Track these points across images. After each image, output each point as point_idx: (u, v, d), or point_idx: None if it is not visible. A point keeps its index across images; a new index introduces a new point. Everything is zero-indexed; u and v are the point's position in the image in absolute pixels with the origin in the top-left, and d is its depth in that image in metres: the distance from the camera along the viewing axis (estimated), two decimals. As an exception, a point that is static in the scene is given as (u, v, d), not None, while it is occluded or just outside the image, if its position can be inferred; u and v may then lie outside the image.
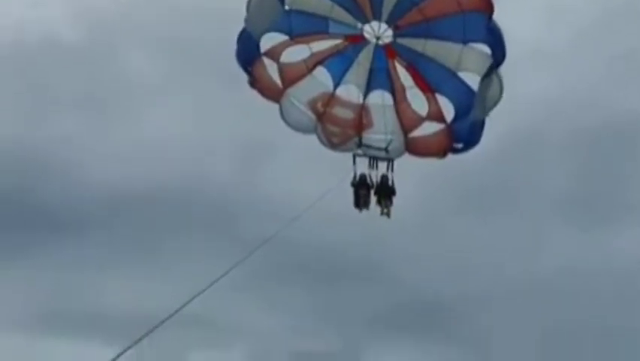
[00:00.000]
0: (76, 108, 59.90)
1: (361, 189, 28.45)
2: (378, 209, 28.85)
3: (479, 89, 25.43)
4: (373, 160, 28.33)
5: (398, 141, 27.35)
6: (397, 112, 27.11)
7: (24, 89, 59.81)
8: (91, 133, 59.45)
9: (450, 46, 25.39)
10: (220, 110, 56.15)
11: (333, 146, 27.91)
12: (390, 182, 28.49)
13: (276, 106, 27.62)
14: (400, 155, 27.66)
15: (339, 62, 26.84)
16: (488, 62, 24.96)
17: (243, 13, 25.73)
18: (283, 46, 26.51)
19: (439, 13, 25.02)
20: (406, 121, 27.08)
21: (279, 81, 27.04)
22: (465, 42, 25.26)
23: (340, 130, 27.61)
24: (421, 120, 26.95)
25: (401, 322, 61.78)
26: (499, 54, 24.79)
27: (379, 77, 26.81)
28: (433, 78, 26.14)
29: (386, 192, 28.52)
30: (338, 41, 26.57)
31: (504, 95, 25.90)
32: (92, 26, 59.83)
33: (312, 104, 27.32)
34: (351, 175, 28.53)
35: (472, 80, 25.59)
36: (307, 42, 26.59)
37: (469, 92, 25.64)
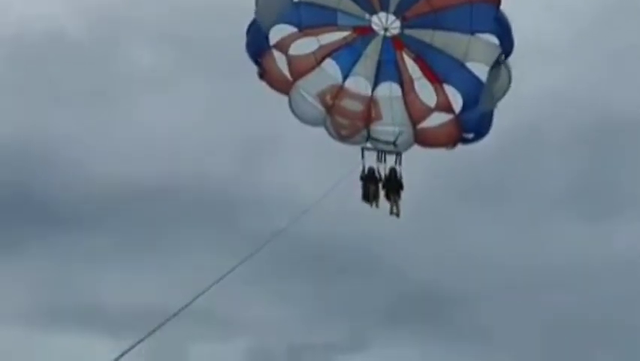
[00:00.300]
0: (78, 104, 60.25)
1: (370, 183, 28.57)
2: (386, 205, 29.02)
3: (488, 80, 25.56)
4: (381, 154, 28.44)
5: (407, 132, 27.43)
6: (406, 103, 27.18)
7: (27, 85, 60.06)
8: (93, 128, 59.69)
9: (458, 36, 25.47)
10: (223, 105, 56.42)
11: (342, 138, 28.02)
12: (398, 175, 28.60)
13: (279, 100, 27.74)
14: (409, 147, 27.76)
15: (347, 54, 26.94)
16: (496, 52, 25.07)
17: (246, 8, 25.85)
18: (292, 38, 26.61)
19: (447, 4, 25.14)
20: (415, 112, 27.16)
21: (287, 73, 27.13)
22: (472, 32, 25.34)
23: (349, 122, 27.71)
24: (429, 111, 27.02)
25: (404, 314, 62.04)
26: (507, 44, 24.95)
27: (388, 69, 26.89)
28: (440, 69, 26.25)
29: (394, 186, 28.64)
30: (346, 33, 26.67)
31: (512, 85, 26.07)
32: (95, 22, 60.10)
33: (321, 97, 27.42)
34: (360, 169, 28.69)
35: (480, 71, 25.69)
36: (316, 34, 26.67)
37: (477, 83, 25.74)
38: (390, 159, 28.67)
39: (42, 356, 57.86)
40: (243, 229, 54.50)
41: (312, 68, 27.14)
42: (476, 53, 25.58)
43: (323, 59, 27.09)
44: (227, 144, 58.77)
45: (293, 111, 27.62)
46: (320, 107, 27.58)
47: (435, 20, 25.58)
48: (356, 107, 27.49)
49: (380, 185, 28.73)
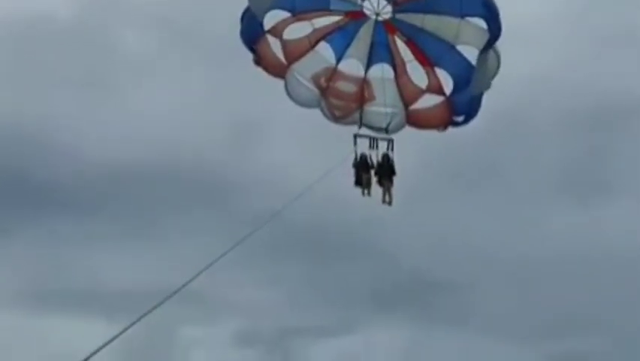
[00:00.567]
0: (73, 88, 60.61)
1: (363, 171, 29.23)
2: (378, 193, 29.57)
3: (477, 64, 26.10)
4: (374, 140, 29.08)
5: (399, 114, 28.08)
6: (398, 85, 27.79)
7: (17, 67, 60.45)
8: (87, 113, 60.09)
9: (448, 20, 25.98)
10: (216, 89, 56.89)
11: (336, 119, 28.66)
12: (390, 161, 29.25)
13: (271, 84, 28.32)
14: (401, 128, 28.35)
15: (341, 37, 27.51)
16: (486, 36, 25.54)
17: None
18: (286, 23, 27.14)
19: (437, -12, 25.79)
20: (407, 94, 27.77)
21: (282, 58, 27.71)
22: (462, 16, 25.83)
23: (343, 103, 28.31)
24: (421, 93, 27.64)
25: (393, 299, 62.83)
26: (494, 28, 25.39)
27: (380, 51, 27.45)
28: (432, 52, 26.82)
29: (387, 172, 29.29)
30: (339, 17, 27.24)
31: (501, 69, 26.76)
32: (85, 4, 60.61)
33: (315, 79, 28.01)
34: (352, 156, 29.31)
35: (470, 54, 26.23)
36: (309, 19, 27.21)
37: (468, 65, 26.32)
38: (383, 146, 29.28)
39: (37, 338, 58.57)
40: (237, 212, 55.31)
41: (307, 52, 27.70)
42: (466, 36, 26.08)
43: (317, 42, 27.64)
44: (221, 128, 59.41)
45: (288, 94, 28.26)
46: (315, 90, 28.18)
47: (425, 4, 26.17)
48: (350, 88, 28.10)
49: (372, 172, 29.37)
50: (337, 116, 28.62)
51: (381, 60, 27.64)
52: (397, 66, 27.63)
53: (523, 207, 64.40)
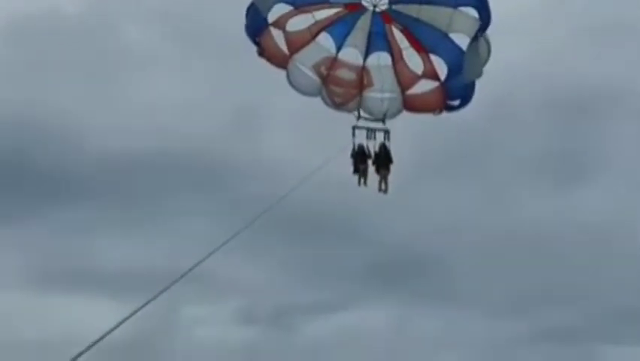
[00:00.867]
0: (76, 77, 62.22)
1: (360, 161, 30.85)
2: (374, 182, 31.18)
3: (468, 52, 27.49)
4: (371, 131, 30.61)
5: (397, 99, 29.56)
6: (395, 71, 29.24)
7: (26, 60, 61.89)
8: (91, 101, 61.80)
9: (442, 10, 27.41)
10: (215, 77, 58.41)
11: (336, 106, 30.10)
12: (387, 150, 30.90)
13: (269, 73, 29.62)
14: (398, 113, 29.85)
15: (340, 28, 28.89)
16: (477, 24, 26.98)
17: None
18: (288, 16, 28.52)
19: (431, -19, 27.30)
20: (404, 79, 29.24)
21: (285, 48, 29.10)
22: (455, 6, 27.27)
23: (343, 90, 29.73)
24: (417, 78, 29.11)
25: (386, 276, 64.81)
26: (485, 17, 26.84)
27: (378, 41, 28.90)
28: (427, 40, 28.30)
29: (384, 161, 30.91)
30: (338, 9, 28.61)
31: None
32: (92, 0, 62.14)
33: (316, 68, 29.41)
34: (351, 147, 30.86)
35: (463, 41, 27.66)
36: (310, 11, 28.58)
37: (460, 52, 27.74)
38: (379, 137, 30.92)
39: (46, 317, 60.33)
40: (237, 197, 57.07)
41: (308, 42, 29.10)
42: (459, 25, 27.50)
43: (318, 33, 29.03)
44: (222, 117, 61.23)
45: (290, 83, 29.65)
46: (316, 78, 29.61)
47: None
48: (349, 75, 29.50)
49: (370, 161, 30.98)
50: (337, 103, 30.03)
51: (379, 49, 29.07)
52: (394, 53, 29.06)
53: (504, 190, 66.74)
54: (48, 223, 64.01)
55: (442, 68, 28.69)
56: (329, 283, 65.77)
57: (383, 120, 30.31)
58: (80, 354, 13.72)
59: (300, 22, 28.92)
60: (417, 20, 28.07)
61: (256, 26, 28.59)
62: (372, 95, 29.86)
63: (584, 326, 67.01)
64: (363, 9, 28.53)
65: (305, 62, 29.45)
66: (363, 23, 28.72)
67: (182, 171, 62.74)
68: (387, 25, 28.72)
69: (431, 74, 28.94)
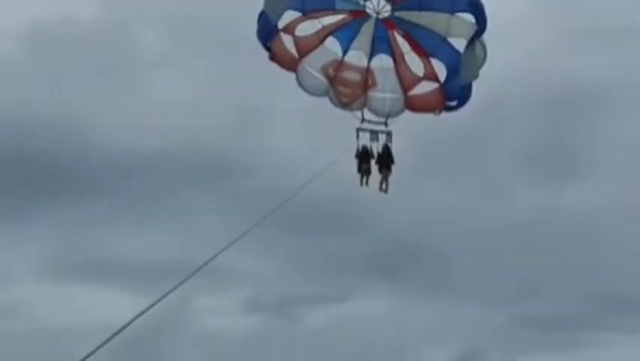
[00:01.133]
0: (92, 79, 64.58)
1: (363, 162, 32.88)
2: (376, 182, 33.20)
3: (465, 55, 29.36)
4: (374, 133, 32.65)
5: (400, 99, 31.42)
6: (398, 73, 31.05)
7: (45, 62, 64.38)
8: (105, 100, 64.48)
9: (440, 16, 29.28)
10: (222, 77, 60.65)
11: (343, 106, 32.02)
12: (389, 151, 32.92)
13: (274, 73, 31.53)
14: (400, 112, 31.72)
15: (346, 32, 30.79)
16: (473, 29, 28.86)
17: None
18: (297, 22, 30.44)
19: (431, -11, 29.15)
20: (406, 81, 31.06)
21: (294, 52, 31.02)
22: (452, 12, 29.16)
23: (349, 91, 31.59)
24: (418, 80, 30.92)
25: (384, 268, 67.12)
26: (481, 22, 28.83)
27: (381, 45, 30.76)
28: (427, 45, 30.16)
29: (386, 161, 32.94)
30: (344, 16, 30.55)
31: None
32: (107, 6, 64.52)
33: (324, 70, 31.31)
34: (355, 148, 32.92)
35: (460, 45, 29.55)
36: (318, 17, 30.51)
37: (458, 55, 29.60)
38: (382, 138, 32.95)
39: (64, 307, 62.66)
40: (243, 193, 59.34)
41: (316, 46, 31.01)
42: (456, 29, 29.32)
43: (325, 37, 30.95)
44: (229, 116, 63.67)
45: (300, 84, 31.59)
46: (324, 80, 31.48)
47: (420, 3, 29.48)
48: (355, 77, 31.36)
49: (373, 161, 33.01)
50: (344, 103, 31.94)
51: (383, 52, 30.90)
52: (397, 57, 30.91)
53: (496, 184, 68.96)
54: (67, 217, 66.54)
55: (441, 71, 30.49)
56: (331, 275, 68.15)
57: (385, 123, 32.22)
58: (103, 344, 14.94)
59: (308, 28, 30.80)
60: (417, 26, 29.89)
61: (267, 32, 30.50)
62: (376, 94, 31.68)
63: (572, 314, 69.55)
64: (367, 16, 30.44)
65: (314, 64, 31.33)
66: (367, 29, 30.59)
67: (194, 167, 65.18)
68: (389, 32, 30.59)
69: (431, 76, 30.73)
